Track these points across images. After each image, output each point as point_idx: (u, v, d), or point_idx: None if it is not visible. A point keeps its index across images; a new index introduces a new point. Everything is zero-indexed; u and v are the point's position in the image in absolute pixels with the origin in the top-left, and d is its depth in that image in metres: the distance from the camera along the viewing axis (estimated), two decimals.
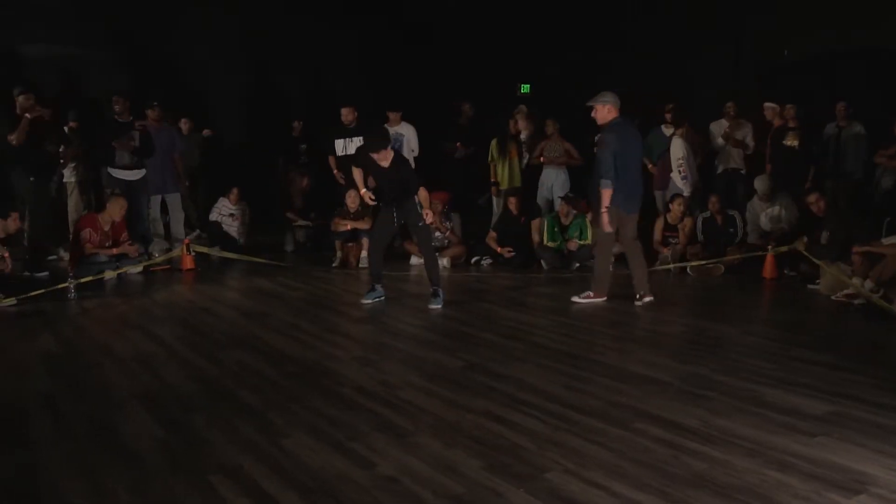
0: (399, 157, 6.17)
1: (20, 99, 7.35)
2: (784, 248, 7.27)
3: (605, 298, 6.19)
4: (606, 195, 5.84)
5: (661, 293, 6.32)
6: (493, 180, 9.23)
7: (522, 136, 9.44)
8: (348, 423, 3.45)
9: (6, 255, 6.32)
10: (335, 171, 8.78)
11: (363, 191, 6.35)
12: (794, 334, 5.23)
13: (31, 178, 7.32)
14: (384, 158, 5.98)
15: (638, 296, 6.09)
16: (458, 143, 9.27)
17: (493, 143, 9.13)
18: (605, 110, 5.94)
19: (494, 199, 9.29)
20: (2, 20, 9.41)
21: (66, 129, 8.67)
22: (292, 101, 10.94)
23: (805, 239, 7.17)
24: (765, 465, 2.96)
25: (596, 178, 5.91)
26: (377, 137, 6.02)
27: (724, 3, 10.40)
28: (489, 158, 9.18)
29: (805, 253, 6.94)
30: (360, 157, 6.28)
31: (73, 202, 8.70)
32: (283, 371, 4.31)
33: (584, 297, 6.21)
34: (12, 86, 7.48)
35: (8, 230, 6.45)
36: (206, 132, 10.04)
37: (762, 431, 3.31)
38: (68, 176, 8.68)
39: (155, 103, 8.46)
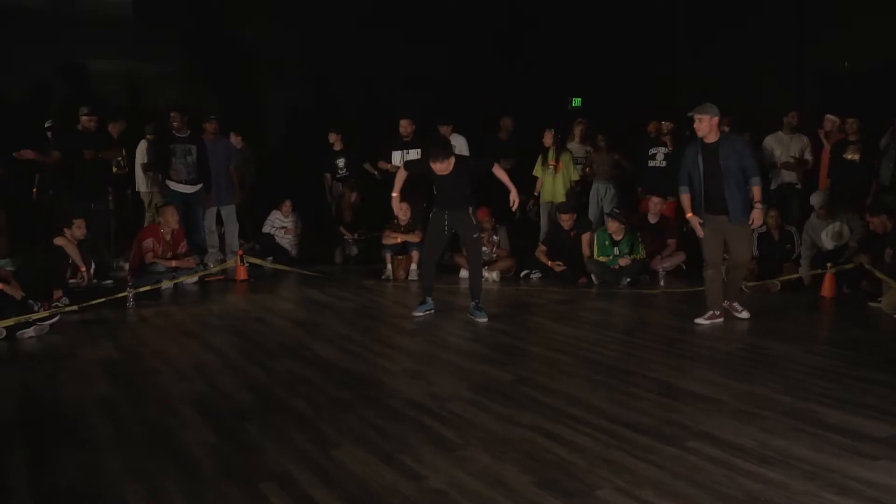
0: (460, 161, 6.07)
1: (84, 119, 7.64)
2: (850, 266, 7.05)
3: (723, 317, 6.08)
4: (759, 191, 5.86)
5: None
6: (535, 193, 9.20)
7: (582, 151, 9.38)
8: (398, 434, 3.47)
9: (83, 269, 6.58)
10: (379, 168, 8.84)
11: (395, 195, 6.31)
12: (855, 353, 5.06)
13: (93, 206, 7.57)
14: (445, 170, 5.97)
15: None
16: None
17: (540, 157, 9.11)
18: (712, 123, 5.77)
19: (541, 212, 9.26)
20: (70, 35, 9.77)
21: (144, 140, 9.01)
22: (347, 114, 11.04)
23: (867, 257, 6.95)
24: (824, 489, 2.87)
25: (734, 182, 5.79)
26: (439, 148, 6.00)
27: (783, 14, 10.22)
28: (534, 171, 9.16)
29: (869, 267, 6.73)
30: (422, 164, 6.26)
31: (151, 214, 9.03)
32: (334, 381, 4.36)
33: (707, 318, 6.02)
34: (79, 102, 7.76)
35: (76, 237, 6.68)
36: (234, 139, 9.61)
37: (821, 453, 3.21)
38: (145, 187, 9.05)
39: (212, 116, 8.66)
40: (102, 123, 8.04)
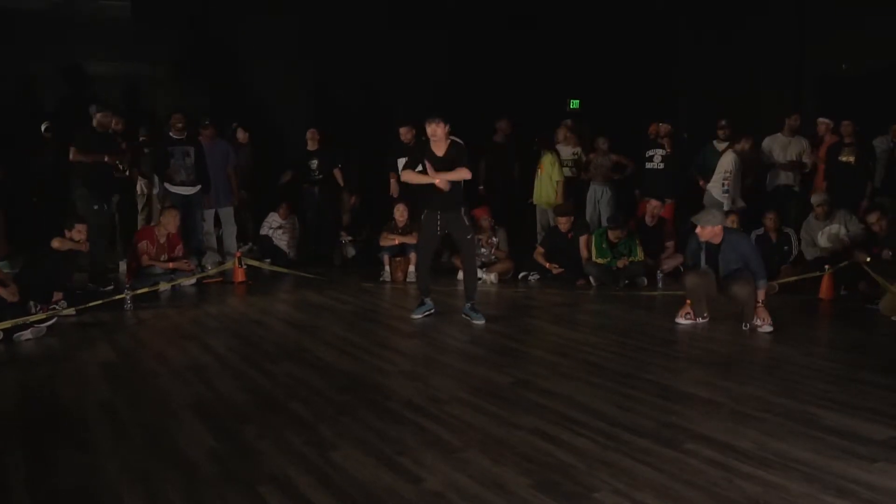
0: (455, 146, 5.91)
1: (98, 116, 7.58)
2: (845, 263, 7.06)
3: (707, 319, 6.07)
4: (763, 294, 5.78)
5: (715, 313, 6.20)
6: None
7: (569, 152, 9.42)
8: (396, 437, 3.47)
9: (83, 238, 6.57)
10: (392, 189, 8.85)
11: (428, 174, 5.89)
12: (854, 355, 5.08)
13: (95, 207, 7.42)
14: (441, 138, 5.81)
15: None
16: (480, 188, 9.36)
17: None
18: (715, 230, 5.83)
19: (538, 214, 9.29)
20: (70, 37, 9.76)
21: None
22: (345, 116, 11.02)
23: (867, 257, 6.97)
24: (822, 491, 2.87)
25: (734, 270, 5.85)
26: (434, 113, 5.86)
27: (783, 15, 10.24)
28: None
29: (867, 268, 6.75)
30: (420, 152, 6.04)
31: (144, 216, 9.02)
32: (333, 384, 4.35)
33: (687, 318, 6.05)
34: (80, 102, 7.70)
35: (74, 240, 6.64)
36: (240, 133, 9.58)
37: (820, 455, 3.22)
38: (140, 190, 9.01)
39: (207, 122, 8.65)
40: (126, 124, 8.02)
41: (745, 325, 5.82)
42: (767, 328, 5.73)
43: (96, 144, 7.47)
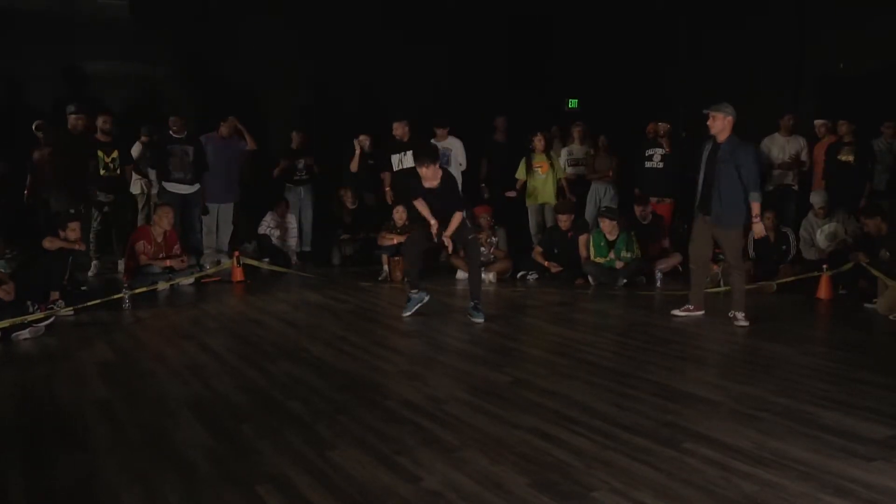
0: (448, 178, 6.06)
1: (72, 118, 7.58)
2: (848, 266, 7.06)
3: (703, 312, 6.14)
4: (757, 207, 5.80)
5: (713, 311, 6.21)
6: (513, 192, 9.30)
7: (582, 151, 9.44)
8: (395, 436, 3.47)
9: (78, 237, 6.61)
10: (387, 189, 8.91)
11: (433, 223, 6.05)
12: (852, 355, 5.07)
13: (72, 211, 7.33)
14: (432, 177, 5.93)
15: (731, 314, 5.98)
16: (482, 185, 9.56)
17: (524, 160, 9.16)
18: (726, 122, 5.77)
19: (531, 214, 9.29)
20: (68, 37, 9.75)
21: (138, 143, 8.96)
22: (347, 116, 11.00)
23: (864, 255, 6.97)
24: (820, 490, 2.87)
25: (725, 185, 5.77)
26: (425, 152, 6.01)
27: (782, 15, 10.23)
28: (517, 173, 9.21)
29: (865, 265, 6.75)
30: (412, 183, 6.20)
31: (144, 216, 9.00)
32: (331, 383, 4.35)
33: (683, 311, 6.14)
34: (80, 102, 7.72)
35: (69, 239, 6.64)
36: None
37: (818, 454, 3.22)
38: (136, 190, 8.98)
39: (228, 116, 8.68)
40: (91, 122, 8.01)
41: (731, 313, 5.94)
42: (743, 323, 5.82)
43: (67, 144, 7.50)
